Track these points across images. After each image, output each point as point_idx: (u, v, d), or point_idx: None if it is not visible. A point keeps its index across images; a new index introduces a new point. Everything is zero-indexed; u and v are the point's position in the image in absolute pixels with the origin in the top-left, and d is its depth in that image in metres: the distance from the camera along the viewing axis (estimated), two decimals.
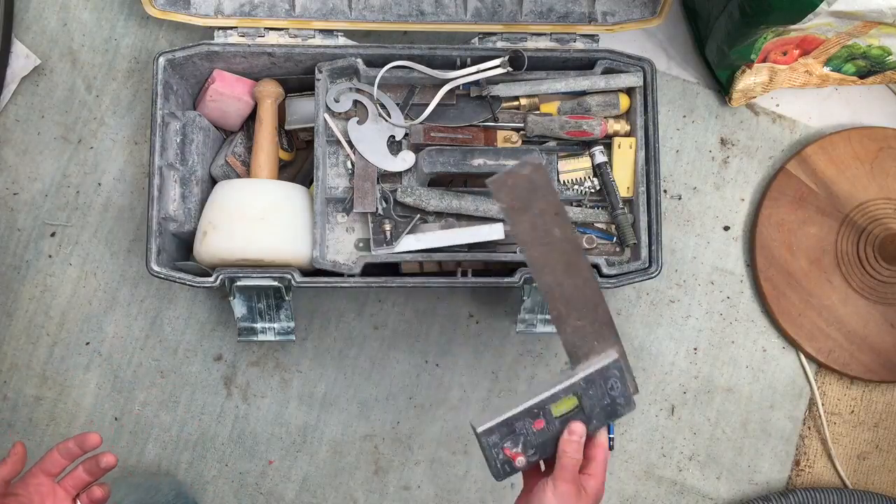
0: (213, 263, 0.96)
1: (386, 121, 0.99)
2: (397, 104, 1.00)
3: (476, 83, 1.00)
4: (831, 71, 1.08)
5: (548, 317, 1.01)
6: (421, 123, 1.00)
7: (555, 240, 0.75)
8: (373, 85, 0.99)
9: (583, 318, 0.78)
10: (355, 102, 1.00)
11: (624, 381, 0.79)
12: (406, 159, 0.99)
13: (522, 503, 0.78)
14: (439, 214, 0.99)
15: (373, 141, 0.99)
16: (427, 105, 0.99)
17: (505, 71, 0.99)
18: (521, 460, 0.78)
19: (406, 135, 1.00)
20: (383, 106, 1.00)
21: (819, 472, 1.09)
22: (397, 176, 1.00)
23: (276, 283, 0.95)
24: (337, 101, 0.99)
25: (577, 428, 0.76)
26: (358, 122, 0.99)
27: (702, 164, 1.13)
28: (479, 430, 0.78)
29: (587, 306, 0.78)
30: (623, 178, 1.00)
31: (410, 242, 0.98)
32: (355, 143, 0.99)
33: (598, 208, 1.01)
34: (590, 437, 0.77)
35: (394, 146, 0.99)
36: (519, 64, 0.98)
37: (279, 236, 0.95)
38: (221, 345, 1.09)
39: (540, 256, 0.76)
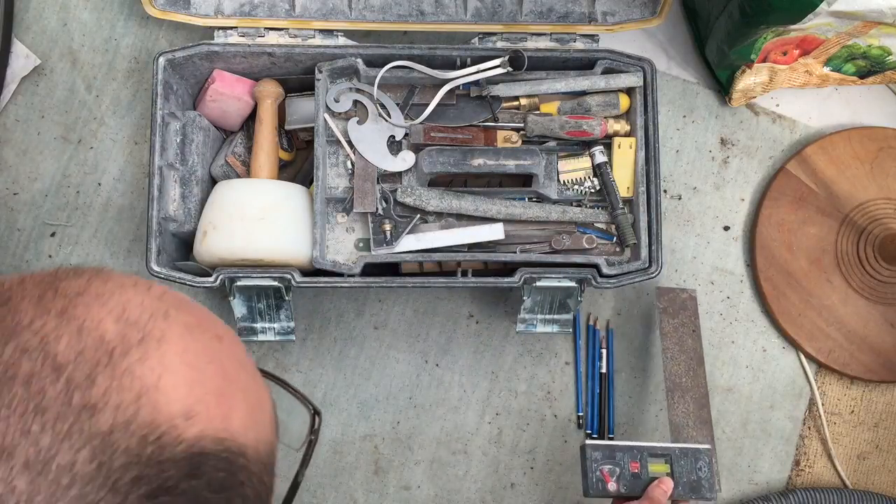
0: (213, 263, 0.96)
1: (386, 121, 0.99)
2: (397, 104, 1.00)
3: (476, 83, 1.00)
4: (831, 71, 1.08)
5: (548, 316, 1.01)
6: (421, 123, 1.00)
7: (687, 346, 1.03)
8: (373, 85, 0.99)
9: (689, 409, 1.01)
10: (355, 102, 1.00)
11: (711, 468, 0.93)
12: (406, 159, 0.99)
13: None
14: (439, 214, 0.99)
15: (373, 141, 0.99)
16: (427, 105, 0.99)
17: (505, 71, 0.99)
18: (612, 485, 0.90)
19: (406, 135, 1.00)
20: (383, 106, 1.00)
21: (819, 472, 1.09)
22: (397, 176, 1.00)
23: (276, 283, 0.95)
24: (337, 101, 0.99)
25: (668, 483, 0.88)
26: (358, 122, 0.99)
27: (702, 164, 1.13)
28: (588, 443, 0.91)
29: (697, 402, 1.01)
30: (623, 178, 1.00)
31: (410, 242, 0.98)
32: (355, 143, 0.99)
33: (598, 208, 1.01)
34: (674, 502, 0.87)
35: (394, 146, 0.99)
36: (519, 64, 0.98)
37: (279, 236, 0.95)
38: None
39: (673, 353, 1.03)
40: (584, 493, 0.90)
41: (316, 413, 0.43)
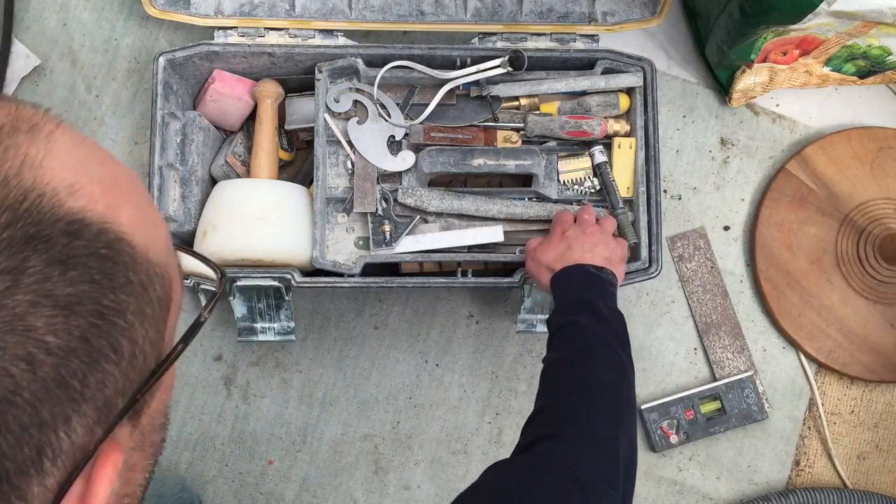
0: None
1: (386, 121, 0.99)
2: (397, 104, 1.00)
3: (476, 83, 1.00)
4: (831, 71, 1.08)
5: (548, 316, 1.01)
6: (421, 123, 1.00)
7: (709, 284, 1.10)
8: (373, 85, 0.99)
9: (725, 342, 1.09)
10: (355, 102, 1.00)
11: (757, 392, 1.06)
12: (406, 159, 0.98)
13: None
14: (439, 215, 0.99)
15: (373, 141, 0.99)
16: (427, 105, 0.99)
17: (505, 71, 0.99)
18: (675, 438, 1.05)
19: (406, 135, 1.00)
20: (383, 106, 1.00)
21: (819, 472, 1.09)
22: (397, 176, 1.00)
23: (276, 283, 0.95)
24: (337, 101, 0.99)
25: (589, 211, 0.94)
26: (358, 122, 0.99)
27: (702, 164, 1.13)
28: (643, 407, 1.06)
29: (731, 334, 1.09)
30: (623, 178, 1.00)
31: (410, 243, 0.98)
32: (355, 142, 0.99)
33: (598, 208, 1.01)
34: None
35: (394, 146, 0.99)
36: (519, 64, 0.98)
37: (279, 236, 0.95)
38: (221, 345, 1.09)
39: (698, 295, 1.10)
40: (652, 450, 1.07)
41: (222, 274, 0.45)
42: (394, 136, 0.99)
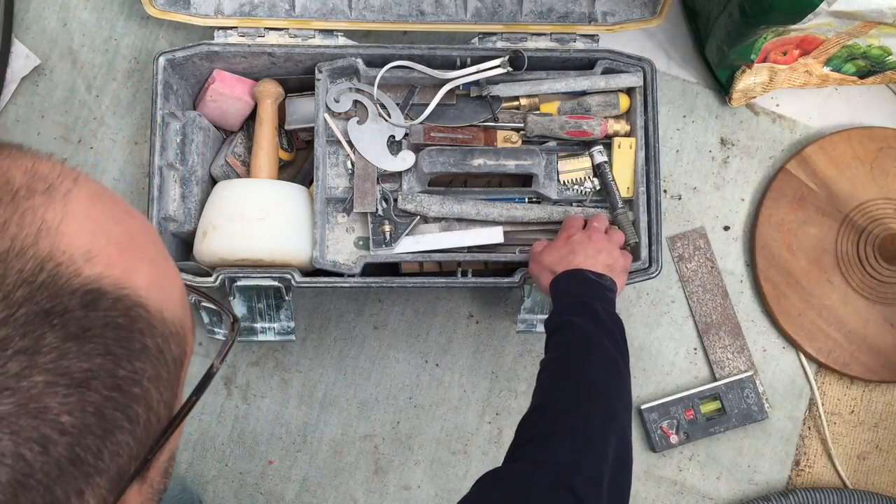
0: (213, 263, 0.96)
1: (386, 121, 0.99)
2: (397, 104, 1.00)
3: (476, 83, 1.00)
4: (831, 71, 1.08)
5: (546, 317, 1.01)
6: (421, 124, 1.00)
7: (709, 284, 1.09)
8: (373, 85, 0.99)
9: (725, 342, 1.09)
10: (355, 102, 1.00)
11: (757, 392, 1.06)
12: (406, 159, 0.98)
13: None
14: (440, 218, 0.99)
15: (373, 141, 0.99)
16: (427, 105, 0.99)
17: (505, 71, 0.99)
18: (674, 438, 1.05)
19: (406, 135, 1.00)
20: (383, 106, 1.00)
21: (819, 472, 1.09)
22: (397, 176, 1.00)
23: (276, 283, 0.95)
24: (337, 101, 0.99)
25: (602, 220, 0.94)
26: (358, 122, 0.99)
27: (702, 164, 1.13)
28: (643, 407, 1.06)
29: (731, 334, 1.09)
30: (623, 178, 1.00)
31: (409, 244, 0.98)
32: (355, 142, 0.99)
33: (598, 208, 1.01)
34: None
35: (394, 146, 0.99)
36: (519, 64, 0.98)
37: (279, 236, 0.95)
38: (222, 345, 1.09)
39: (698, 295, 1.10)
40: (652, 450, 1.07)
41: (235, 319, 0.45)
42: (394, 136, 0.99)
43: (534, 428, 0.69)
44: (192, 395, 0.37)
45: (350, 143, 0.99)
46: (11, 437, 0.28)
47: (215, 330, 1.00)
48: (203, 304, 0.93)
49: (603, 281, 0.84)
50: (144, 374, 0.33)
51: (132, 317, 0.33)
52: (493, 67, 0.99)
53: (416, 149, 0.99)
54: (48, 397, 0.29)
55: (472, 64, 1.00)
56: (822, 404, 1.09)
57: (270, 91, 1.02)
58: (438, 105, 0.99)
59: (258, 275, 0.94)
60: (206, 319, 0.98)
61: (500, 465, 0.67)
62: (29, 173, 0.33)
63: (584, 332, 0.78)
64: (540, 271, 0.89)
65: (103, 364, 0.31)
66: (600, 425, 0.69)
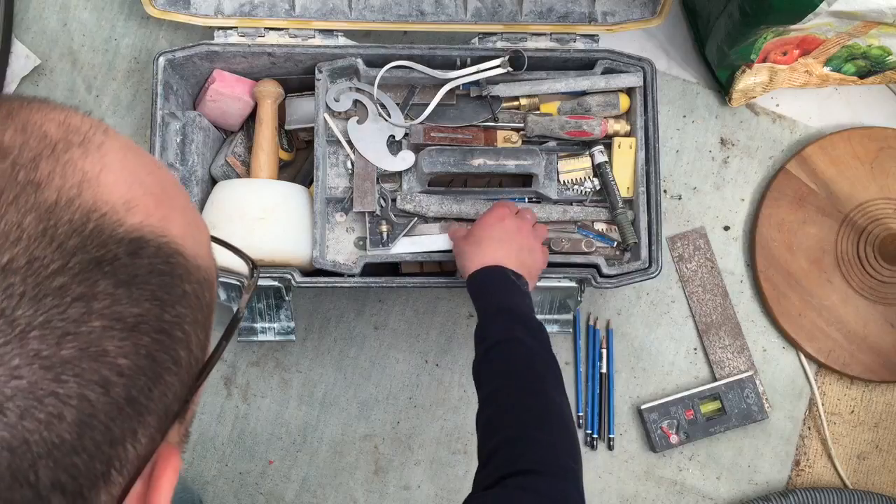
0: None
1: (386, 120, 0.99)
2: (397, 104, 1.00)
3: (476, 83, 1.00)
4: (831, 71, 1.08)
5: (548, 316, 1.01)
6: (421, 123, 1.00)
7: (709, 284, 1.10)
8: (373, 85, 0.99)
9: (725, 342, 1.09)
10: (355, 102, 1.00)
11: (757, 392, 1.06)
12: (406, 159, 0.98)
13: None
14: (439, 218, 0.99)
15: (372, 140, 0.99)
16: (427, 105, 0.99)
17: (505, 71, 0.99)
18: (675, 438, 1.05)
19: (406, 135, 1.00)
20: (383, 106, 1.00)
21: (819, 472, 1.09)
22: (397, 176, 1.00)
23: (276, 283, 0.95)
24: (337, 100, 0.99)
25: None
26: (358, 121, 0.99)
27: (702, 164, 1.13)
28: (643, 407, 1.06)
29: (731, 334, 1.09)
30: (623, 178, 1.00)
31: (406, 245, 0.98)
32: (355, 142, 0.99)
33: (598, 208, 1.01)
34: None
35: (394, 146, 0.99)
36: (519, 64, 0.98)
37: (279, 236, 0.95)
38: None
39: (698, 296, 1.10)
40: (652, 450, 1.07)
41: (253, 265, 0.47)
42: (394, 136, 0.99)
43: (511, 464, 0.68)
44: (222, 338, 0.38)
45: (350, 142, 0.99)
46: (76, 380, 0.30)
47: (255, 328, 1.00)
48: (220, 279, 0.93)
49: (521, 284, 0.82)
50: (185, 318, 0.34)
51: (172, 263, 0.34)
52: (494, 67, 0.99)
53: (416, 149, 0.99)
54: (106, 341, 0.31)
55: (473, 64, 1.00)
56: (822, 404, 1.09)
57: (270, 91, 1.02)
58: (438, 105, 0.99)
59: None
60: (223, 296, 0.97)
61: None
62: (63, 126, 0.34)
63: (530, 349, 0.77)
64: (459, 254, 0.87)
65: (151, 309, 0.33)
66: (573, 459, 0.70)
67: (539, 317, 0.99)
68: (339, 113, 1.00)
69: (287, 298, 0.97)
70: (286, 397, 1.09)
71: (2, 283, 0.29)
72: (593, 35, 1.02)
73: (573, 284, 0.97)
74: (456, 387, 1.09)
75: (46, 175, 0.32)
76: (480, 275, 0.83)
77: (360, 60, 0.99)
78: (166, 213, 0.35)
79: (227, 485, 1.08)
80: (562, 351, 1.09)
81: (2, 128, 0.33)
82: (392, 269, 1.02)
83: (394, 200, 0.98)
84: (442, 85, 0.99)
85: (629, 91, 1.01)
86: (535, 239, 0.88)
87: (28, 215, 0.31)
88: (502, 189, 1.01)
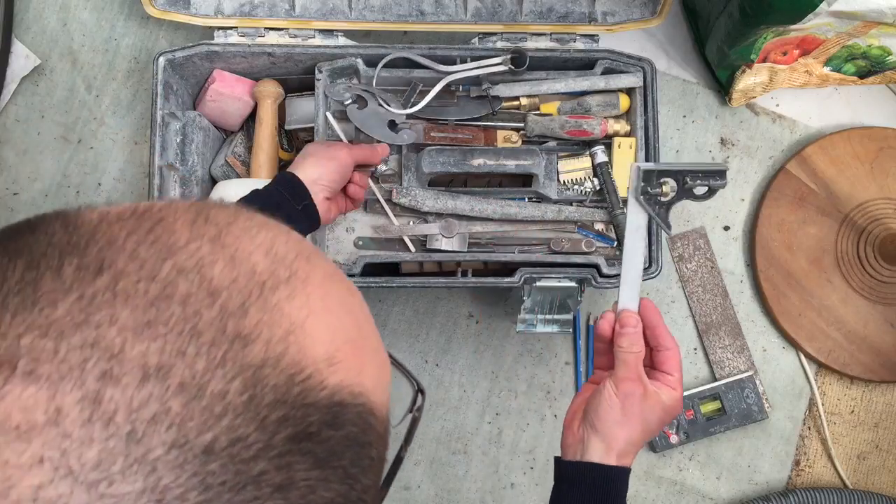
0: None
1: (386, 109, 0.99)
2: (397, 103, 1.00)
3: (477, 82, 1.00)
4: (831, 71, 1.08)
5: (548, 316, 1.01)
6: (421, 118, 0.99)
7: (709, 284, 1.09)
8: (371, 83, 0.99)
9: (725, 342, 1.09)
10: (356, 96, 1.00)
11: (757, 392, 1.06)
12: (407, 136, 0.98)
13: (580, 403, 0.69)
14: (437, 214, 0.99)
15: (374, 123, 0.99)
16: (429, 102, 0.99)
17: (506, 68, 0.99)
18: (674, 438, 1.04)
19: (407, 120, 1.00)
20: (382, 99, 0.99)
21: (819, 472, 1.09)
22: (397, 176, 1.00)
23: None
24: (342, 101, 0.99)
25: (629, 320, 0.69)
26: (358, 107, 0.99)
27: None
28: None
29: (731, 334, 1.09)
30: (623, 178, 1.00)
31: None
32: (356, 122, 0.98)
33: (598, 208, 1.01)
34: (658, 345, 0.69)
35: (395, 128, 0.99)
36: (521, 62, 0.98)
37: None
38: None
39: (698, 295, 1.09)
40: (653, 450, 1.06)
41: (420, 391, 0.42)
42: (394, 122, 0.99)
43: None
44: (383, 486, 0.35)
45: (351, 141, 0.99)
46: None
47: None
48: None
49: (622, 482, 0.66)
50: (369, 490, 0.31)
51: (366, 430, 0.31)
52: (496, 64, 0.99)
53: (417, 148, 0.99)
54: None
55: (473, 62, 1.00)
56: (822, 404, 1.09)
57: (270, 91, 1.02)
58: (439, 102, 0.99)
59: None
60: None
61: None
62: (270, 255, 0.31)
63: None
64: (583, 433, 0.68)
65: (340, 490, 0.30)
66: None
67: (539, 317, 1.00)
68: (341, 103, 0.99)
69: None
70: None
71: (201, 468, 0.26)
72: (593, 35, 1.02)
73: (573, 284, 0.96)
74: (456, 387, 1.09)
75: (254, 325, 0.29)
76: (610, 475, 0.66)
77: (360, 60, 0.99)
78: (362, 362, 0.32)
79: None
80: (562, 351, 1.09)
81: (210, 257, 0.30)
82: (392, 269, 1.02)
83: (389, 192, 0.98)
84: (442, 78, 0.99)
85: (629, 91, 1.01)
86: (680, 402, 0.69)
87: (234, 381, 0.27)
88: (502, 189, 1.01)
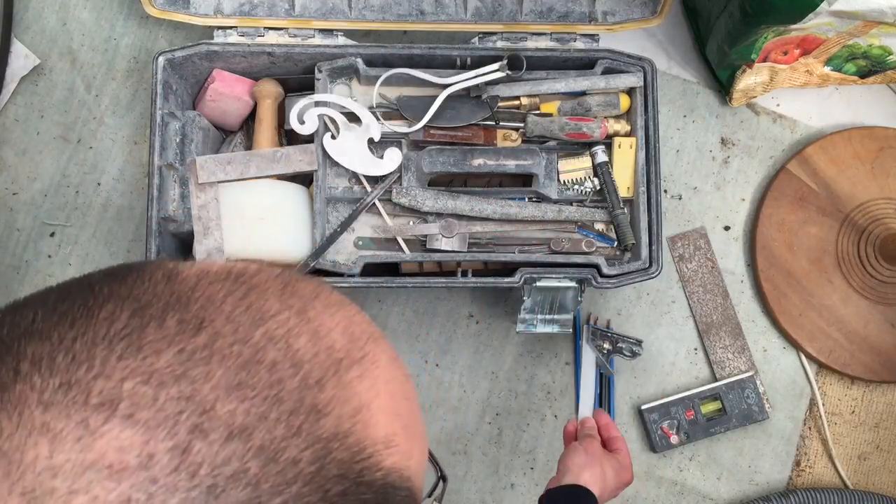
0: None
1: (357, 127, 0.97)
2: (372, 109, 0.99)
3: (476, 85, 1.00)
4: (832, 70, 1.08)
5: (548, 316, 1.01)
6: (417, 129, 0.99)
7: (709, 284, 1.10)
8: (373, 86, 0.99)
9: (726, 343, 1.09)
10: (321, 118, 0.97)
11: (758, 392, 1.06)
12: (393, 158, 0.98)
13: (556, 481, 0.84)
14: (437, 214, 0.99)
15: (354, 151, 0.97)
16: (421, 98, 0.99)
17: (504, 74, 0.98)
18: (675, 438, 1.06)
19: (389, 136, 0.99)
20: (353, 114, 0.98)
21: (820, 473, 1.09)
22: (395, 174, 0.99)
23: None
24: (302, 122, 0.96)
25: (589, 422, 0.93)
26: (332, 136, 0.98)
27: (702, 164, 1.13)
28: (643, 407, 1.06)
29: (731, 334, 1.10)
30: (623, 178, 1.00)
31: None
32: (336, 158, 0.96)
33: (598, 208, 1.01)
34: (609, 439, 0.91)
35: (375, 147, 0.98)
36: (518, 65, 0.98)
37: (279, 236, 0.95)
38: None
39: (699, 296, 1.10)
40: (653, 450, 1.07)
41: (443, 478, 0.44)
42: (371, 139, 0.98)
43: None
44: None
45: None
46: None
47: None
48: None
49: None
50: None
51: None
52: (493, 71, 0.98)
53: (417, 147, 0.99)
54: None
55: (472, 64, 1.00)
56: (823, 404, 1.09)
57: (270, 91, 1.02)
58: (437, 108, 0.99)
59: None
60: None
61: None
62: (347, 334, 0.33)
63: None
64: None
65: None
66: None
67: (539, 317, 0.99)
68: (310, 135, 0.96)
69: None
70: None
71: None
72: (593, 35, 1.02)
73: (573, 284, 0.96)
74: (456, 387, 1.09)
75: (329, 400, 0.30)
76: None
77: (359, 60, 0.98)
78: (412, 447, 0.33)
79: None
80: (562, 351, 1.09)
81: (297, 329, 0.31)
82: (392, 269, 1.02)
83: (388, 192, 0.98)
84: (440, 88, 0.99)
85: (629, 91, 1.01)
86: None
87: (306, 451, 0.29)
88: (502, 189, 1.01)
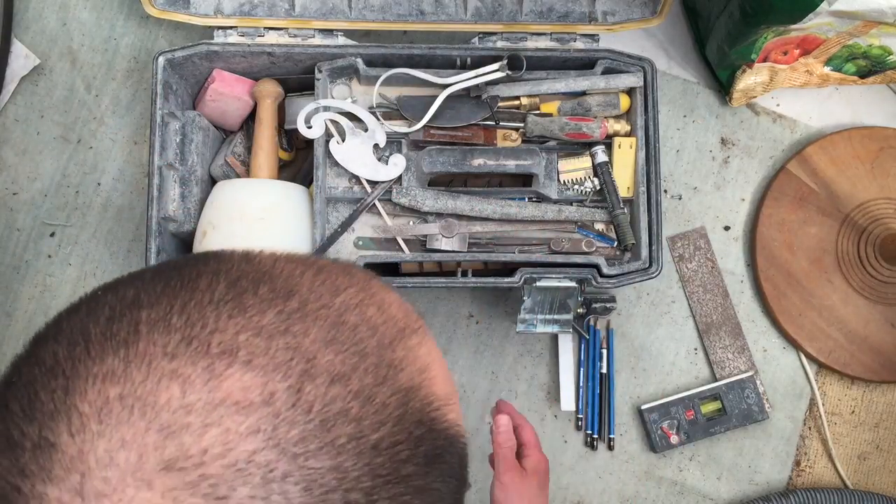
0: None
1: (364, 132, 0.98)
2: (374, 111, 0.99)
3: (476, 86, 1.00)
4: (832, 71, 1.08)
5: (548, 316, 1.01)
6: (415, 130, 0.99)
7: (709, 284, 1.10)
8: (373, 86, 0.99)
9: (726, 343, 1.09)
10: (329, 122, 0.98)
11: (758, 392, 1.07)
12: (398, 164, 0.98)
13: None
14: (437, 214, 0.99)
15: (358, 156, 0.98)
16: (422, 98, 0.99)
17: (504, 74, 0.98)
18: (675, 438, 1.05)
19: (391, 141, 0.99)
20: (358, 119, 0.98)
21: (820, 473, 1.09)
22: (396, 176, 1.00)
23: None
24: (309, 126, 0.97)
25: (502, 420, 0.86)
26: (338, 141, 0.98)
27: (702, 164, 1.13)
28: (643, 407, 1.06)
29: (731, 334, 1.09)
30: (623, 178, 1.00)
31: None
32: (342, 163, 0.97)
33: (598, 208, 1.01)
34: (516, 427, 0.87)
35: (380, 152, 0.99)
36: (517, 65, 0.98)
37: (279, 236, 0.95)
38: None
39: (699, 296, 1.10)
40: (653, 450, 1.07)
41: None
42: (377, 144, 0.98)
43: None
44: None
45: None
46: None
47: None
48: None
49: None
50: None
51: (464, 464, 0.38)
52: (493, 71, 0.98)
53: (417, 146, 0.99)
54: None
55: (472, 64, 1.00)
56: (823, 404, 1.09)
57: (270, 91, 1.02)
58: (437, 109, 0.99)
59: None
60: None
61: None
62: (403, 308, 0.38)
63: None
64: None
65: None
66: None
67: (539, 317, 0.99)
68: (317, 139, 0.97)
69: None
70: None
71: (371, 460, 0.32)
72: (593, 35, 1.02)
73: (573, 284, 0.96)
74: (456, 387, 1.09)
75: (401, 359, 0.35)
76: None
77: (359, 60, 0.98)
78: (459, 409, 0.38)
79: None
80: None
81: (366, 301, 0.36)
82: (392, 269, 1.02)
83: (388, 192, 0.98)
84: (440, 88, 0.99)
85: (629, 91, 1.01)
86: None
87: (393, 397, 0.34)
88: (502, 189, 1.01)
